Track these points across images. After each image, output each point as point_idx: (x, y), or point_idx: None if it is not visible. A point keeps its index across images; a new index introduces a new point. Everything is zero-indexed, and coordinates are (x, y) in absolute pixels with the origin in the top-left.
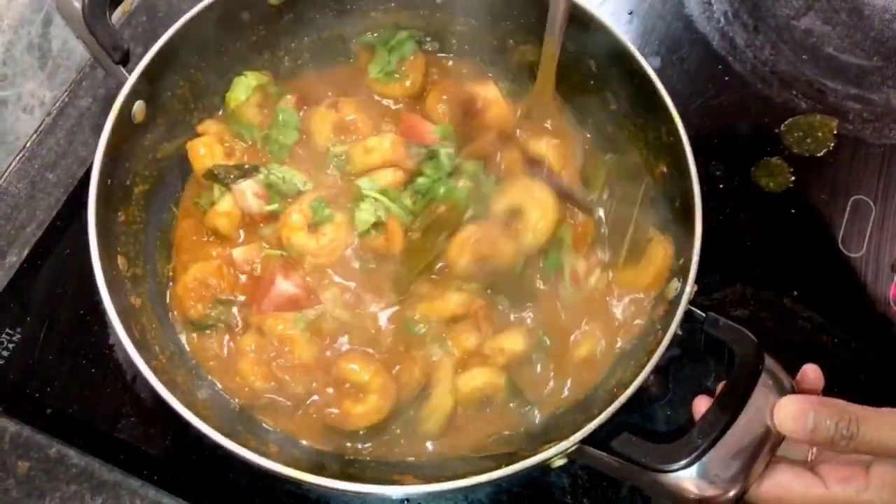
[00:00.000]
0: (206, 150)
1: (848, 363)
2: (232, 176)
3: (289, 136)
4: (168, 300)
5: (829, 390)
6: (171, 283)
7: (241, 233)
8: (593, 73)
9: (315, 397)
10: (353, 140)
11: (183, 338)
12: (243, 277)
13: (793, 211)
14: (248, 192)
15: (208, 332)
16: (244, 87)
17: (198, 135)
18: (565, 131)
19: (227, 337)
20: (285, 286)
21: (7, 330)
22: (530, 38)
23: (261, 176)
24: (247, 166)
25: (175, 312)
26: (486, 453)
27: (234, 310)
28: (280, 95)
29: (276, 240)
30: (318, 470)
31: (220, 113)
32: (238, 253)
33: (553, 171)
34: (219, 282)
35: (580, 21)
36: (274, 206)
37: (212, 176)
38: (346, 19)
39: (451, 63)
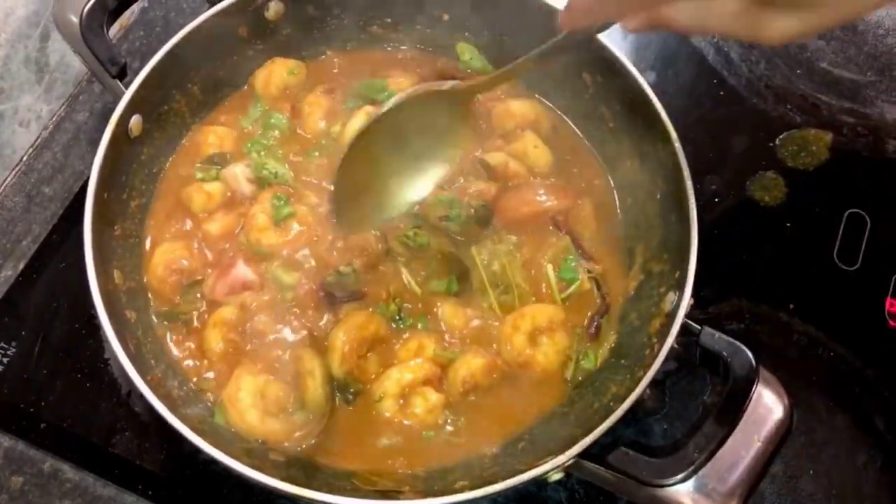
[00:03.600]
0: (214, 137)
1: (844, 376)
2: (225, 161)
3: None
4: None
5: (826, 402)
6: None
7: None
8: (588, 88)
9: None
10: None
11: (173, 347)
12: (209, 254)
13: (788, 224)
14: (241, 176)
15: (181, 322)
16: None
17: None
18: None
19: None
20: (244, 271)
21: (2, 343)
22: None
23: (253, 165)
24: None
25: (153, 304)
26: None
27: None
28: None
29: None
30: (314, 484)
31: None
32: (214, 227)
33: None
34: (190, 262)
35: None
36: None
37: (210, 161)
38: (344, 31)
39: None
